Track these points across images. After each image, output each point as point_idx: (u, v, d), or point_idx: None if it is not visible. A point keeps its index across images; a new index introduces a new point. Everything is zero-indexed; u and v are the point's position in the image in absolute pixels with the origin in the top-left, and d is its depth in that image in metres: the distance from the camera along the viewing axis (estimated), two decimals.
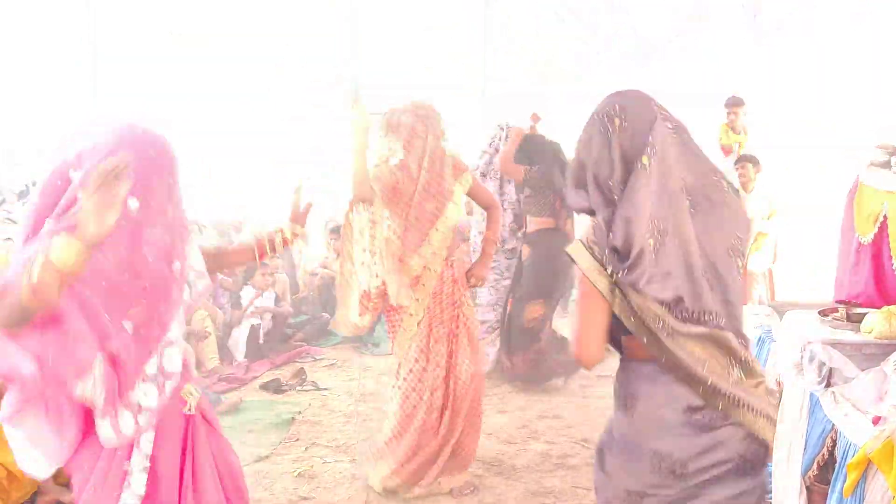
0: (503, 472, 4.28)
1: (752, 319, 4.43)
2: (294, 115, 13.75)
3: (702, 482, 2.03)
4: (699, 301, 2.00)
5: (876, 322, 3.32)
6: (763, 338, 4.11)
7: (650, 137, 2.01)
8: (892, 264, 3.44)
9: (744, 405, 2.02)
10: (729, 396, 2.01)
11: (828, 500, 2.82)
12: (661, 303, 1.98)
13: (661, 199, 1.99)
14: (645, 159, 2.00)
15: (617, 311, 2.01)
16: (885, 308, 3.37)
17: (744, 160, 7.46)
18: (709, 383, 1.99)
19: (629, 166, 2.02)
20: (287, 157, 13.26)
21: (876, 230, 3.66)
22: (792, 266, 9.78)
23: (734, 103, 8.30)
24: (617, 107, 2.06)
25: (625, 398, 2.12)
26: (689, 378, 2.00)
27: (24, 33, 12.18)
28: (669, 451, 2.03)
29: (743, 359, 2.06)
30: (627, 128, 2.03)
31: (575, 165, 2.12)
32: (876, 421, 2.73)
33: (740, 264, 2.12)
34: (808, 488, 3.16)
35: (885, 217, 3.56)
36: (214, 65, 13.22)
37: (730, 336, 2.03)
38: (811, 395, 3.23)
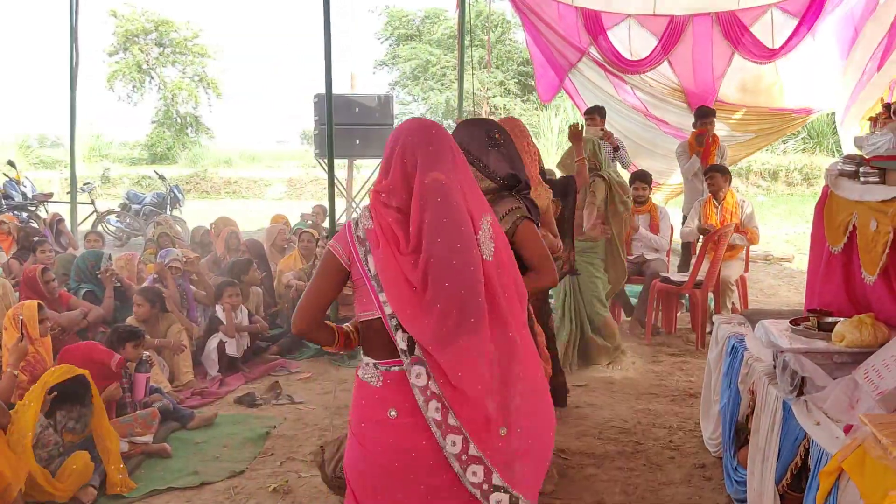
0: None
1: (724, 329, 4.47)
2: (291, 114, 13.71)
3: None
4: None
5: (846, 331, 3.36)
6: (736, 346, 4.15)
7: None
8: (862, 273, 3.48)
9: None
10: None
11: None
12: None
13: None
14: None
15: None
16: (855, 317, 3.42)
17: (713, 170, 7.55)
18: None
19: None
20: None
21: (846, 240, 3.71)
22: None
23: (702, 115, 8.43)
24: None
25: None
26: None
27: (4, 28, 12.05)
28: None
29: None
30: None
31: None
32: (848, 429, 2.76)
33: None
34: (781, 496, 3.19)
35: (854, 227, 3.61)
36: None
37: None
38: (784, 403, 3.26)
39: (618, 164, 8.48)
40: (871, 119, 4.03)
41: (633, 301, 7.58)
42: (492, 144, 3.08)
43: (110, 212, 13.62)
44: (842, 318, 3.52)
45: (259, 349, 6.74)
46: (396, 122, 12.00)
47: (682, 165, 8.63)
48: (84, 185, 13.65)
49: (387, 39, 31.56)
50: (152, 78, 29.26)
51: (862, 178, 3.53)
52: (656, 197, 9.98)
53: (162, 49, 29.19)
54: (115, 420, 4.64)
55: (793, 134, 19.55)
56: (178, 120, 29.05)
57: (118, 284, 6.59)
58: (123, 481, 4.23)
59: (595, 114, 8.36)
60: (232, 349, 6.41)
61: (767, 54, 9.17)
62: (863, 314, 3.43)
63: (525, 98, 26.94)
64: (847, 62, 8.33)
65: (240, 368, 6.41)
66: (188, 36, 29.10)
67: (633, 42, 9.62)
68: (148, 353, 5.45)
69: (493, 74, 26.15)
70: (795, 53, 9.09)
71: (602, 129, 8.23)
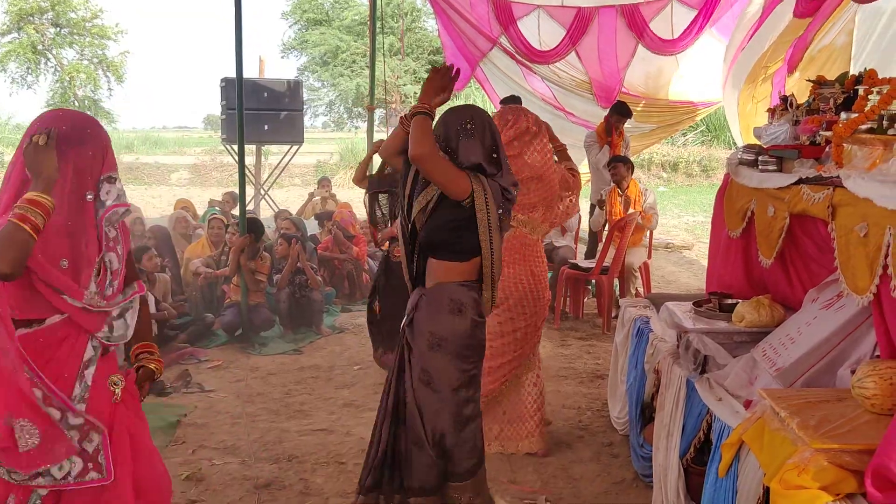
0: None
1: (630, 311, 4.62)
2: (195, 98, 13.36)
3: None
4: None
5: (745, 311, 3.54)
6: (642, 328, 4.29)
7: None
8: (760, 257, 3.65)
9: None
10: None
11: (705, 481, 2.97)
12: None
13: None
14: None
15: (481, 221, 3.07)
16: (753, 298, 3.60)
17: (616, 161, 7.76)
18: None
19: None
20: None
21: (744, 225, 3.88)
22: None
23: (619, 112, 8.61)
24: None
25: (459, 307, 3.15)
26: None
27: None
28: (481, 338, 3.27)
29: None
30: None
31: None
32: (747, 404, 2.91)
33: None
34: (685, 470, 3.32)
35: (752, 213, 3.78)
36: None
37: None
38: (688, 381, 3.40)
39: None
40: (769, 111, 4.22)
41: None
42: (464, 133, 3.13)
43: None
44: (741, 300, 3.70)
45: (167, 337, 6.57)
46: (306, 108, 11.84)
47: (591, 155, 8.80)
48: None
49: (295, 23, 31.13)
50: (48, 59, 28.12)
51: (760, 167, 3.70)
52: None
53: (58, 30, 28.05)
54: None
55: (692, 127, 20.23)
56: (76, 104, 28.01)
57: None
58: None
59: (511, 103, 8.44)
60: None
61: (668, 46, 9.42)
62: (760, 296, 3.61)
63: None
64: (726, 48, 8.60)
65: None
66: (87, 16, 28.03)
67: (542, 33, 9.73)
68: None
69: (404, 62, 26.10)
70: (696, 47, 9.38)
71: None
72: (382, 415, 3.29)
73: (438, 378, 3.16)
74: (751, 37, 7.52)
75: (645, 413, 4.10)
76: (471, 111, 3.22)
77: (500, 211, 3.14)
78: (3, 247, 2.08)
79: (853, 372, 2.59)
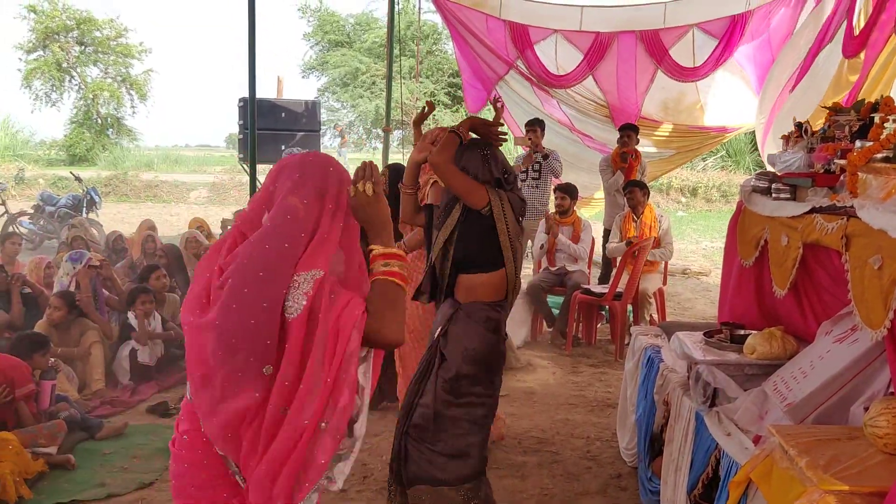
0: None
1: (641, 340, 4.53)
2: (217, 117, 13.41)
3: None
4: None
5: (757, 343, 3.44)
6: (652, 357, 4.20)
7: None
8: (773, 287, 3.56)
9: None
10: None
11: None
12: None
13: None
14: None
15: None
16: (766, 329, 3.49)
17: (632, 186, 7.68)
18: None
19: None
20: None
21: (757, 254, 3.79)
22: None
23: (624, 128, 8.59)
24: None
25: (495, 327, 3.62)
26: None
27: None
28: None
29: None
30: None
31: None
32: (757, 440, 2.81)
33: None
34: None
35: (766, 241, 3.70)
36: None
37: None
38: (697, 414, 3.30)
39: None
40: (783, 137, 4.14)
41: (555, 312, 7.64)
42: (482, 159, 3.61)
43: (22, 213, 13.12)
44: (753, 331, 3.60)
45: (174, 357, 6.52)
46: (325, 129, 11.86)
47: (605, 180, 8.76)
48: None
49: (316, 44, 31.39)
50: (72, 77, 28.46)
51: (774, 195, 3.61)
52: (584, 213, 10.12)
53: (83, 48, 28.41)
54: (19, 431, 4.44)
55: (711, 152, 20.10)
56: (99, 121, 28.30)
57: (28, 290, 6.32)
58: (19, 487, 4.04)
59: (536, 126, 8.43)
60: (144, 357, 6.19)
61: (689, 73, 9.39)
62: (773, 327, 3.51)
63: (455, 109, 27.06)
64: (764, 86, 8.58)
65: (153, 377, 6.20)
66: (111, 35, 28.39)
67: (559, 57, 9.73)
68: (53, 359, 5.24)
69: (422, 84, 26.21)
70: (715, 74, 9.35)
71: (528, 137, 8.30)
72: (401, 413, 3.72)
73: (469, 386, 3.56)
74: (794, 85, 7.44)
75: (654, 445, 3.99)
76: (483, 143, 3.70)
77: (519, 220, 3.65)
78: (397, 313, 1.71)
79: (866, 409, 2.50)
